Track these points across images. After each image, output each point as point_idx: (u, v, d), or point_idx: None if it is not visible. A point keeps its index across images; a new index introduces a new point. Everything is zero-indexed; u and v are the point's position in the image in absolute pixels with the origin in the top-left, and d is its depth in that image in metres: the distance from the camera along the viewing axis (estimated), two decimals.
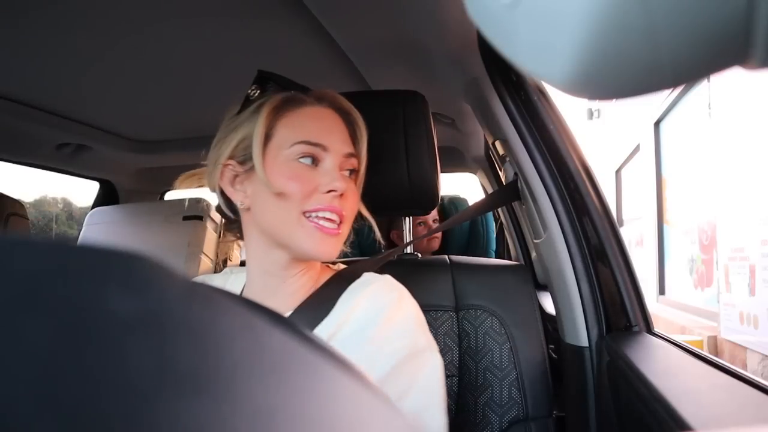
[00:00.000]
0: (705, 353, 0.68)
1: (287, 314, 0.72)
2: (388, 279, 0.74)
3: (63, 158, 1.70)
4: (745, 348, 3.29)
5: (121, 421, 0.10)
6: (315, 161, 0.68)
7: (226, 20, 0.95)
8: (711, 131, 3.77)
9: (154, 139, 1.75)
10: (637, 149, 5.91)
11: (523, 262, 1.87)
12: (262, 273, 0.73)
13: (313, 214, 0.67)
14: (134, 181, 2.05)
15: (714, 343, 3.67)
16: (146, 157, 1.81)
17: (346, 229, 0.70)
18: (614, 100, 0.20)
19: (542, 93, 0.90)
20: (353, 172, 0.73)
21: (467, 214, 1.01)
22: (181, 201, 1.97)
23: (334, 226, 0.68)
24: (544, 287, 1.41)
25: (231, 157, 0.71)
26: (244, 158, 0.70)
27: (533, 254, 1.74)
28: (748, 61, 0.17)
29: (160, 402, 0.11)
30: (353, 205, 0.71)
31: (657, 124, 5.19)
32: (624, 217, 6.93)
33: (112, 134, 1.65)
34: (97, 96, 1.33)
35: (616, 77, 0.18)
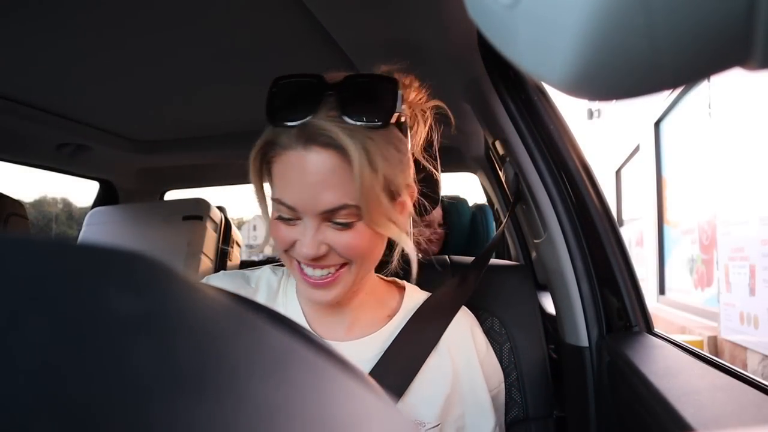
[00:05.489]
0: (705, 353, 0.68)
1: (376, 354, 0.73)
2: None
3: (63, 158, 1.70)
4: (746, 348, 3.29)
5: (122, 421, 0.10)
6: (294, 218, 0.64)
7: (225, 20, 0.95)
8: (711, 131, 3.77)
9: (154, 139, 1.75)
10: (637, 149, 5.91)
11: (523, 262, 1.87)
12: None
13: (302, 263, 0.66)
14: (134, 181, 2.05)
15: (714, 343, 3.67)
16: (146, 157, 1.81)
17: (359, 269, 0.66)
18: (614, 100, 0.20)
19: (542, 93, 0.90)
20: (343, 224, 0.63)
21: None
22: (181, 201, 1.97)
23: (321, 276, 0.64)
24: (544, 287, 1.40)
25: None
26: None
27: (533, 254, 1.74)
28: (748, 61, 0.17)
29: (160, 402, 0.11)
30: (349, 251, 0.64)
31: (657, 124, 5.19)
32: (624, 217, 6.92)
33: (112, 134, 1.65)
34: (97, 96, 1.32)
35: (616, 78, 0.18)
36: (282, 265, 0.79)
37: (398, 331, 0.73)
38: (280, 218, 0.64)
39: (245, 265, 2.15)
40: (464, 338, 0.76)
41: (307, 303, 0.74)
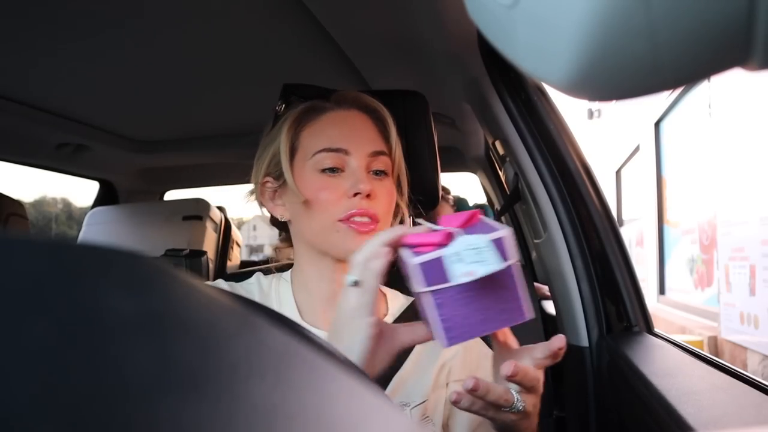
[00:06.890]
0: (705, 353, 0.68)
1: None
2: None
3: (63, 158, 1.70)
4: (746, 348, 3.29)
5: (122, 421, 0.10)
6: (339, 168, 0.70)
7: (226, 20, 0.95)
8: (711, 131, 3.77)
9: (154, 139, 1.75)
10: (637, 149, 5.91)
11: (523, 262, 1.87)
12: (319, 279, 0.74)
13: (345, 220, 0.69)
14: (134, 181, 2.05)
15: (714, 344, 3.67)
16: (146, 157, 1.81)
17: (383, 227, 0.70)
18: (614, 100, 0.20)
19: (542, 93, 0.90)
20: (382, 173, 0.72)
21: None
22: (181, 201, 1.97)
23: (367, 222, 0.68)
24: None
25: (267, 174, 0.74)
26: (278, 173, 0.73)
27: (533, 254, 1.74)
28: (748, 61, 0.17)
29: (160, 402, 0.11)
30: (386, 205, 0.71)
31: (657, 124, 5.20)
32: (624, 217, 6.92)
33: (112, 134, 1.65)
34: (97, 96, 1.33)
35: (616, 78, 0.18)
36: (271, 272, 0.81)
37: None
38: (323, 171, 0.69)
39: (245, 265, 2.15)
40: None
41: (302, 297, 0.75)
